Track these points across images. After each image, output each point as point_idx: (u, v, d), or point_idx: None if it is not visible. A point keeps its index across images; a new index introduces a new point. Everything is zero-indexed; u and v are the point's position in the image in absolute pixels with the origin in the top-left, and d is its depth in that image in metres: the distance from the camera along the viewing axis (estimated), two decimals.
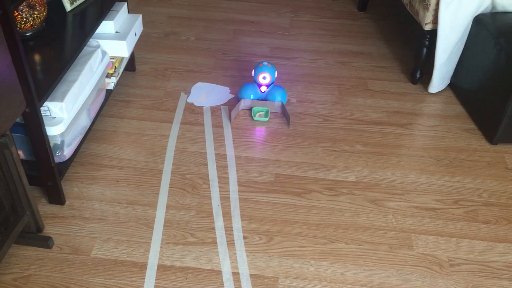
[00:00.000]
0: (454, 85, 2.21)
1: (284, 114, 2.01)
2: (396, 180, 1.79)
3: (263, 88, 2.04)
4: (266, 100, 2.05)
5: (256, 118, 1.99)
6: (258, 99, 2.05)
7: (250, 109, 2.04)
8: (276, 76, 2.04)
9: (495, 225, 1.64)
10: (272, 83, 2.03)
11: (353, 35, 2.62)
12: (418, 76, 2.24)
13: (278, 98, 2.03)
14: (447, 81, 2.21)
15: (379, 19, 2.77)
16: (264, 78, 1.99)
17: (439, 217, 1.66)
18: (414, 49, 2.23)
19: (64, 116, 1.53)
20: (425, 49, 2.15)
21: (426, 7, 2.03)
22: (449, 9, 1.94)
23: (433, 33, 2.07)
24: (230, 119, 1.98)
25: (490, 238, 1.60)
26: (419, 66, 2.22)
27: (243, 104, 2.04)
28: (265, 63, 2.00)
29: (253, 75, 2.03)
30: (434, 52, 2.07)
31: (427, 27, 2.07)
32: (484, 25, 1.94)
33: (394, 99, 2.18)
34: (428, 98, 2.19)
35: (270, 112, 2.04)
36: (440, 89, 2.21)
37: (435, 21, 2.03)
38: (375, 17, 2.79)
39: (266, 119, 2.00)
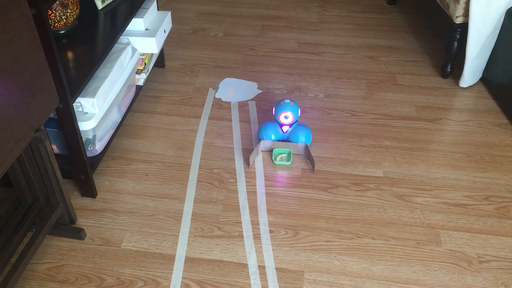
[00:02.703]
0: (486, 79, 2.16)
1: (309, 157, 1.79)
2: (424, 175, 1.77)
3: (285, 128, 1.83)
4: (288, 141, 1.84)
5: (277, 162, 1.79)
6: (279, 140, 1.85)
7: (271, 151, 1.84)
8: (299, 114, 1.83)
9: None
10: (295, 122, 1.84)
11: (382, 29, 2.59)
12: (448, 70, 2.20)
13: (302, 139, 1.81)
14: (478, 75, 2.16)
15: (409, 12, 2.73)
16: (286, 117, 1.79)
17: (469, 213, 1.63)
18: (444, 43, 2.19)
19: (95, 111, 1.57)
20: (456, 43, 2.11)
21: (456, 0, 1.99)
22: (481, 2, 1.90)
23: (464, 26, 2.03)
24: (248, 164, 1.79)
25: None
26: (450, 60, 2.18)
27: (263, 145, 1.83)
28: (287, 101, 1.79)
29: (273, 113, 1.83)
30: (465, 46, 2.03)
31: (458, 20, 2.03)
32: None
33: (424, 94, 2.15)
34: (459, 93, 2.15)
35: (293, 154, 1.83)
36: (471, 84, 2.16)
37: (466, 14, 1.99)
38: (404, 11, 2.74)
39: (288, 163, 1.78)
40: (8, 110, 1.13)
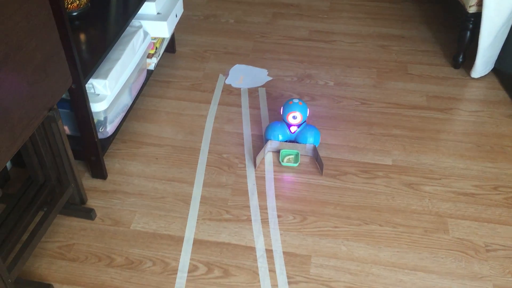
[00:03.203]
0: (498, 70, 2.15)
1: (317, 158, 1.74)
2: (433, 164, 1.76)
3: (293, 128, 1.77)
4: (296, 142, 1.79)
5: (285, 163, 1.74)
6: (287, 141, 1.80)
7: (278, 152, 1.79)
8: (308, 114, 1.78)
9: None
10: (303, 123, 1.78)
11: (394, 19, 2.57)
12: (460, 60, 2.19)
13: (310, 140, 1.76)
14: (490, 66, 2.15)
15: (422, 2, 2.71)
16: (294, 117, 1.73)
17: (477, 203, 1.63)
18: (457, 33, 2.17)
19: (107, 93, 1.58)
20: (468, 33, 2.10)
21: None
22: None
23: (478, 16, 2.01)
24: (254, 165, 1.75)
25: None
26: (462, 50, 2.16)
27: (270, 146, 1.77)
28: (296, 101, 1.74)
29: (281, 113, 1.77)
30: (477, 36, 2.02)
31: (471, 10, 2.02)
32: None
33: (435, 84, 2.14)
34: (470, 83, 2.14)
35: (301, 155, 1.78)
36: (483, 74, 2.15)
37: (479, 3, 1.98)
38: (417, 0, 2.72)
39: (296, 164, 1.74)
40: (23, 87, 1.14)
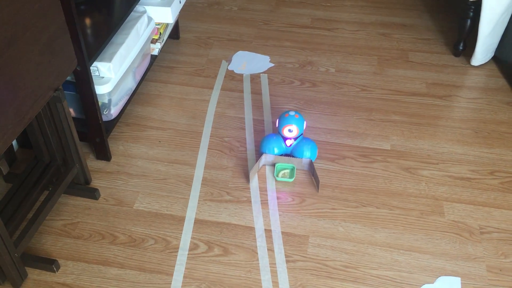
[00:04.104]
0: (497, 58, 2.17)
1: (313, 173, 1.67)
2: (431, 149, 1.79)
3: (289, 142, 1.70)
4: (292, 156, 1.72)
5: (279, 178, 1.67)
6: (282, 154, 1.72)
7: (273, 166, 1.72)
8: (304, 127, 1.70)
9: None
10: (299, 136, 1.71)
11: (396, 7, 2.59)
12: (461, 48, 2.21)
13: (307, 154, 1.68)
14: (490, 54, 2.16)
15: None
16: (290, 131, 1.65)
17: (473, 187, 1.66)
18: (458, 21, 2.19)
19: (111, 76, 1.62)
20: (469, 21, 2.12)
21: None
22: None
23: (478, 4, 2.03)
24: (249, 180, 1.68)
25: None
26: (463, 38, 2.18)
27: (265, 159, 1.71)
28: (292, 113, 1.65)
29: (277, 125, 1.70)
30: (478, 24, 2.04)
31: None
32: None
33: (435, 71, 2.16)
34: (470, 71, 2.16)
35: (297, 170, 1.71)
36: (483, 62, 2.17)
37: None
38: None
39: (291, 179, 1.66)
40: (29, 66, 1.18)
